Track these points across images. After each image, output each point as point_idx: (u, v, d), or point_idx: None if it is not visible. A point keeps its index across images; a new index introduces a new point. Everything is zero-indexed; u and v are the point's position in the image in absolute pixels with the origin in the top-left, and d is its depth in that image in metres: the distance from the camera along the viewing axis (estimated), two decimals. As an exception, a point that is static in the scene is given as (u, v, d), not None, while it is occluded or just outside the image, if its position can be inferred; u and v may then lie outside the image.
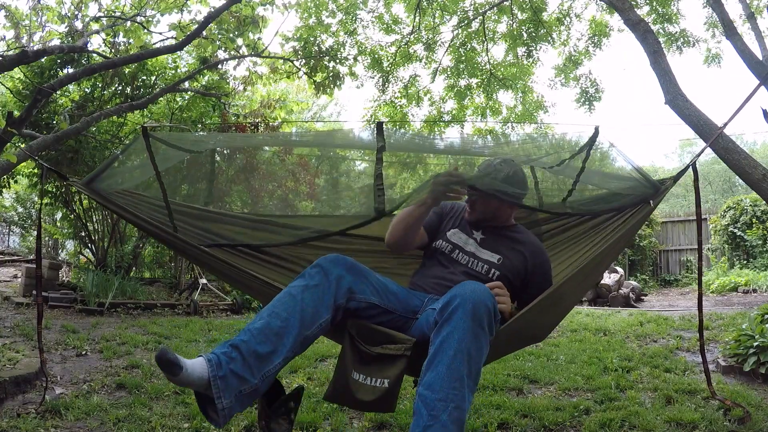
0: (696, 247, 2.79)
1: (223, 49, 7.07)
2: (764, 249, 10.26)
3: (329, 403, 2.92)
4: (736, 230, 10.71)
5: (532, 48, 8.50)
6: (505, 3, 8.21)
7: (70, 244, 10.57)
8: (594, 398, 3.07)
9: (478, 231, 2.19)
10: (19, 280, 6.93)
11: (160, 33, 11.31)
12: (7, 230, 12.58)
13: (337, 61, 7.89)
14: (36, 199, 10.49)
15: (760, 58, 5.07)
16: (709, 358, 2.77)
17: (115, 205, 2.26)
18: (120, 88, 7.44)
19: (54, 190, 7.41)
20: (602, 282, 9.19)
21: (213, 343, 4.55)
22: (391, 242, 2.18)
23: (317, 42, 7.87)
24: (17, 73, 6.73)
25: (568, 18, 8.67)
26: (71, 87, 7.20)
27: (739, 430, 2.47)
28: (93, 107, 7.07)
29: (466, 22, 8.53)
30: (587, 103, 8.60)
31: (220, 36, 6.79)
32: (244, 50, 7.14)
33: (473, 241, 2.16)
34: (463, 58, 8.75)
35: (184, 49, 6.49)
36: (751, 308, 5.41)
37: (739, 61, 4.88)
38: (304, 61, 7.74)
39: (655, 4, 7.64)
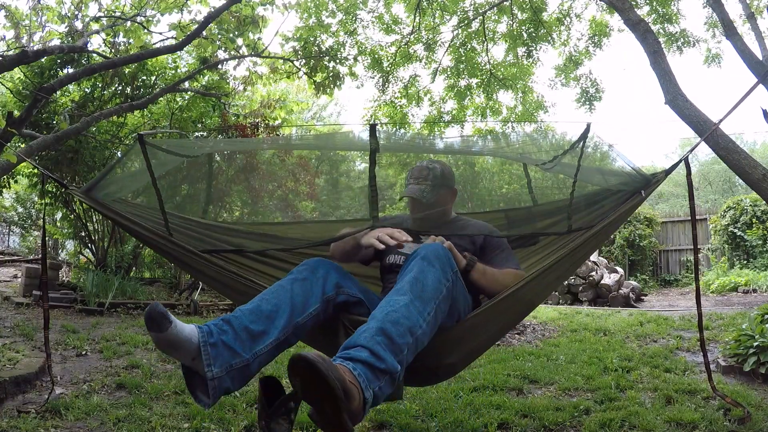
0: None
1: (223, 49, 7.07)
2: (764, 249, 10.26)
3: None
4: (736, 230, 10.71)
5: (532, 48, 8.50)
6: (505, 3, 8.21)
7: (70, 244, 10.56)
8: (594, 398, 3.07)
9: (425, 236, 2.22)
10: (19, 280, 6.93)
11: (160, 33, 11.33)
12: (7, 230, 12.58)
13: (337, 61, 7.89)
14: (36, 198, 10.49)
15: (760, 58, 5.07)
16: (709, 358, 2.77)
17: (113, 213, 2.28)
18: (120, 88, 7.44)
19: (54, 190, 7.41)
20: (602, 282, 9.19)
21: (213, 343, 4.55)
22: (333, 256, 2.25)
23: (317, 42, 7.87)
24: (17, 73, 6.73)
25: (568, 18, 8.67)
26: (71, 87, 7.20)
27: (739, 430, 2.47)
28: (93, 107, 7.07)
29: (466, 22, 8.53)
30: (587, 103, 8.60)
31: (220, 36, 6.79)
32: (244, 50, 7.15)
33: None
34: (463, 58, 8.75)
35: (184, 49, 6.50)
36: (751, 308, 5.41)
37: (739, 61, 4.88)
38: (304, 61, 7.75)
39: (655, 4, 7.64)
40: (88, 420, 2.57)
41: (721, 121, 2.51)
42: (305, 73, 7.85)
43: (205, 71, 7.41)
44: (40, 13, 6.08)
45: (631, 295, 9.09)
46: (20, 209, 11.74)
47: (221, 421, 2.60)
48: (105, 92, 7.36)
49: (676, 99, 4.33)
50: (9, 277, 7.82)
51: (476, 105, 9.39)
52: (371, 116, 9.24)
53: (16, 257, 9.76)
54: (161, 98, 7.51)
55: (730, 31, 4.96)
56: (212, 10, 5.92)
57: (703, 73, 46.00)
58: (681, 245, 12.36)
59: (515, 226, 2.63)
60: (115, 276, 6.61)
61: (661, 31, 7.64)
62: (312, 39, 7.82)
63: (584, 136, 2.33)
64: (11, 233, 12.64)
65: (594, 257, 9.73)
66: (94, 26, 6.43)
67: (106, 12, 6.48)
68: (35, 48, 5.09)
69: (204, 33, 6.25)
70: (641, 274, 11.97)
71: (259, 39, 7.07)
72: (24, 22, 6.00)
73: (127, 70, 7.06)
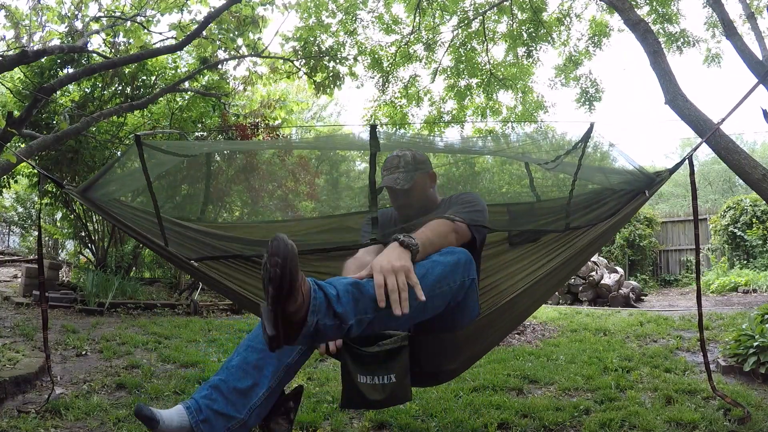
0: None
1: (223, 49, 7.08)
2: (764, 249, 10.26)
3: (333, 404, 2.93)
4: (736, 230, 10.71)
5: (532, 48, 8.50)
6: (505, 3, 8.21)
7: (70, 244, 10.57)
8: (594, 398, 3.07)
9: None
10: (19, 280, 6.92)
11: (160, 33, 11.33)
12: (7, 230, 12.58)
13: (337, 61, 7.89)
14: (36, 198, 10.49)
15: (760, 58, 5.07)
16: (709, 358, 2.76)
17: (109, 215, 2.27)
18: (120, 88, 7.44)
19: (54, 190, 7.41)
20: (602, 282, 9.19)
21: (213, 343, 4.55)
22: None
23: (317, 42, 7.87)
24: (17, 73, 6.73)
25: (568, 18, 8.68)
26: (71, 87, 7.20)
27: (739, 430, 2.46)
28: (93, 107, 7.07)
29: (466, 22, 8.53)
30: (587, 103, 8.60)
31: (220, 36, 6.80)
32: (244, 50, 7.15)
33: None
34: (463, 58, 8.75)
35: (184, 49, 6.50)
36: (751, 308, 5.41)
37: (739, 61, 4.88)
38: (304, 61, 7.75)
39: (655, 4, 7.64)
40: (88, 420, 2.57)
41: (722, 121, 2.52)
42: (305, 73, 7.85)
43: (205, 71, 7.42)
44: (40, 13, 6.08)
45: (631, 295, 9.09)
46: (20, 209, 11.74)
47: (221, 421, 2.60)
48: (105, 92, 7.36)
49: (676, 99, 4.33)
50: (9, 277, 7.82)
51: (476, 105, 9.39)
52: (371, 116, 9.24)
53: (16, 257, 9.76)
54: (161, 98, 7.51)
55: (730, 31, 4.96)
56: (212, 10, 5.93)
57: (703, 73, 46.04)
58: (681, 245, 12.36)
59: (516, 220, 2.61)
60: (115, 276, 6.62)
61: (661, 31, 7.64)
62: (312, 39, 7.82)
63: (587, 136, 2.33)
64: (11, 233, 12.64)
65: (594, 257, 9.73)
66: (94, 26, 6.43)
67: (106, 12, 6.49)
68: (35, 48, 5.09)
69: (204, 33, 6.25)
70: (641, 274, 11.97)
71: (259, 39, 7.08)
72: (24, 22, 6.01)
73: (127, 70, 7.06)
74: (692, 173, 2.52)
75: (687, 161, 2.45)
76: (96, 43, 7.10)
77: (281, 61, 7.77)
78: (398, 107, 9.26)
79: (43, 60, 6.24)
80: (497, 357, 4.15)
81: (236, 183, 7.86)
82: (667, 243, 12.55)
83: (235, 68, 11.61)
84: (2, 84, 6.55)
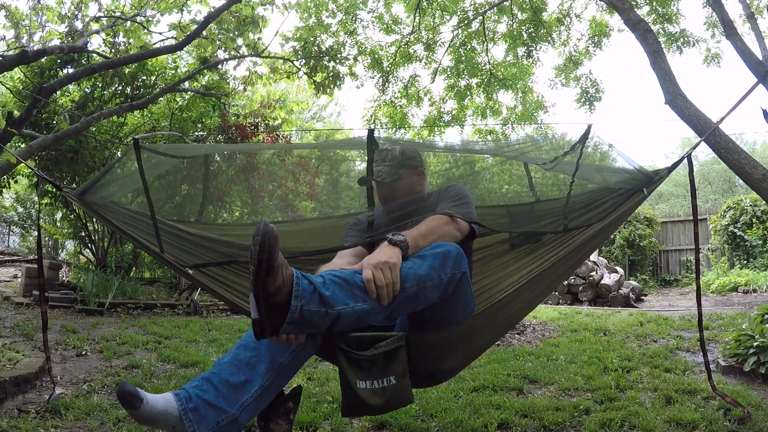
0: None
1: (223, 49, 7.08)
2: (764, 249, 10.26)
3: (333, 404, 2.93)
4: (736, 230, 10.71)
5: (532, 48, 8.50)
6: (505, 3, 8.21)
7: (70, 244, 10.57)
8: (594, 398, 3.07)
9: (408, 221, 2.13)
10: (19, 280, 6.93)
11: (160, 33, 11.34)
12: (7, 230, 12.58)
13: (337, 61, 7.89)
14: (36, 198, 10.49)
15: (760, 58, 5.07)
16: (709, 358, 2.76)
17: (106, 219, 2.26)
18: (120, 88, 7.44)
19: (53, 190, 7.41)
20: (602, 282, 9.19)
21: (213, 343, 4.55)
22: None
23: (317, 42, 7.87)
24: (17, 73, 6.73)
25: (568, 18, 8.68)
26: (71, 87, 7.20)
27: (739, 430, 2.46)
28: (93, 107, 7.07)
29: (466, 22, 8.53)
30: (588, 103, 8.61)
31: (220, 36, 6.80)
32: (244, 50, 7.15)
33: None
34: (463, 58, 8.75)
35: (184, 49, 6.51)
36: (751, 308, 5.41)
37: (739, 61, 4.88)
38: (304, 61, 7.75)
39: (655, 4, 7.64)
40: (88, 420, 2.57)
41: (721, 120, 2.52)
42: (305, 73, 7.85)
43: (205, 71, 7.42)
44: (40, 13, 6.08)
45: (631, 295, 9.09)
46: (20, 209, 11.75)
47: (221, 421, 2.59)
48: (105, 92, 7.37)
49: (676, 99, 4.33)
50: (9, 277, 7.82)
51: (476, 105, 9.39)
52: (371, 116, 9.24)
53: (16, 257, 9.76)
54: (161, 98, 7.51)
55: (730, 31, 4.96)
56: (212, 10, 5.93)
57: (703, 73, 46.02)
58: (681, 245, 12.36)
59: (516, 222, 2.61)
60: (115, 276, 6.62)
61: (661, 31, 7.64)
62: (312, 39, 7.82)
63: (585, 137, 2.33)
64: (11, 233, 12.64)
65: (594, 257, 9.73)
66: (94, 26, 6.44)
67: (106, 12, 6.49)
68: (35, 48, 5.10)
69: (204, 33, 6.25)
70: (641, 274, 11.97)
71: (259, 39, 7.08)
72: (24, 22, 6.01)
73: (127, 70, 7.06)
74: (691, 172, 2.52)
75: (686, 160, 2.45)
76: (96, 43, 7.11)
77: (281, 61, 7.77)
78: (398, 107, 9.26)
79: (43, 60, 6.24)
80: (497, 357, 4.15)
81: (236, 183, 7.86)
82: (667, 243, 12.55)
83: (235, 68, 11.63)
84: (2, 84, 6.55)
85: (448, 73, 8.99)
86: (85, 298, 5.98)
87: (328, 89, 7.86)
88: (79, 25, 6.22)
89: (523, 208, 2.71)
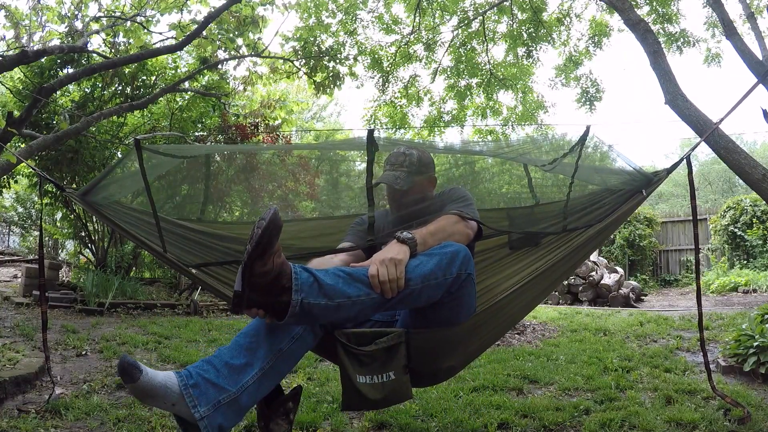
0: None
1: (223, 49, 7.08)
2: (764, 249, 10.26)
3: (333, 404, 2.93)
4: (736, 230, 10.71)
5: (532, 48, 8.50)
6: (505, 3, 8.21)
7: (70, 244, 10.57)
8: (594, 398, 3.07)
9: (414, 225, 2.12)
10: (19, 280, 6.93)
11: (160, 33, 11.34)
12: (7, 230, 12.58)
13: (337, 61, 7.89)
14: (36, 198, 10.49)
15: (760, 58, 5.06)
16: (709, 358, 2.76)
17: (108, 219, 2.26)
18: (120, 88, 7.44)
19: (54, 190, 7.41)
20: (602, 282, 9.19)
21: (213, 342, 4.55)
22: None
23: (317, 42, 7.87)
24: (17, 73, 6.73)
25: (568, 18, 8.68)
26: (71, 87, 7.20)
27: (739, 430, 2.46)
28: (93, 107, 7.07)
29: (466, 22, 8.53)
30: (588, 103, 8.61)
31: (220, 36, 6.80)
32: (244, 50, 7.15)
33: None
34: (463, 58, 8.75)
35: (184, 49, 6.51)
36: (751, 308, 5.41)
37: (739, 61, 4.88)
38: (304, 61, 7.75)
39: (655, 4, 7.64)
40: (88, 420, 2.57)
41: (721, 120, 2.52)
42: (305, 73, 7.85)
43: (205, 71, 7.42)
44: (40, 13, 6.08)
45: (631, 295, 9.09)
46: (20, 209, 11.74)
47: (221, 421, 2.59)
48: (105, 92, 7.37)
49: (676, 99, 4.33)
50: (9, 277, 7.83)
51: (476, 105, 9.39)
52: (371, 116, 9.24)
53: (16, 257, 9.76)
54: (161, 98, 7.51)
55: (730, 31, 4.96)
56: (212, 10, 5.93)
57: (703, 73, 46.01)
58: (681, 245, 12.36)
59: (516, 224, 2.62)
60: (115, 276, 6.61)
61: (661, 31, 7.64)
62: (312, 39, 7.82)
63: (584, 138, 2.34)
64: (11, 233, 12.64)
65: (594, 257, 9.73)
66: (94, 26, 6.44)
67: (106, 12, 6.49)
68: (35, 48, 5.10)
69: (204, 33, 6.25)
70: (641, 274, 11.97)
71: (259, 39, 7.08)
72: (24, 22, 6.01)
73: (127, 70, 7.06)
74: (690, 173, 2.52)
75: (685, 161, 2.45)
76: (96, 43, 7.11)
77: (281, 61, 7.77)
78: (398, 107, 9.26)
79: (43, 60, 6.24)
80: (497, 357, 4.15)
81: (236, 183, 7.86)
82: (667, 243, 12.55)
83: (235, 68, 11.63)
84: (2, 84, 6.56)
85: (448, 73, 8.99)
86: (85, 298, 5.98)
87: (328, 89, 7.86)
88: (79, 25, 6.22)
89: (522, 211, 2.72)
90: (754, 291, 8.92)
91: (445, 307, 1.83)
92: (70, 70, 6.58)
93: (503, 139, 8.73)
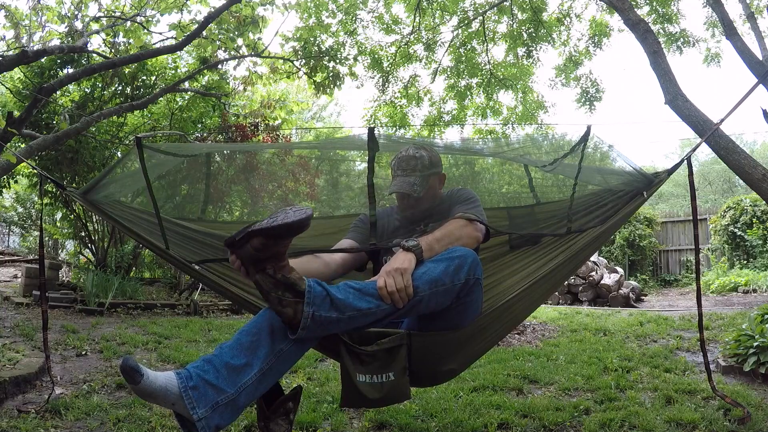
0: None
1: (223, 49, 7.08)
2: (764, 249, 10.26)
3: (333, 404, 2.93)
4: (736, 230, 10.71)
5: (532, 48, 8.50)
6: (505, 3, 8.21)
7: (70, 244, 10.57)
8: (594, 398, 3.07)
9: (421, 223, 2.15)
10: (19, 280, 6.93)
11: (160, 33, 11.35)
12: (7, 230, 12.58)
13: (337, 61, 7.89)
14: (36, 198, 10.49)
15: (760, 58, 5.06)
16: (709, 358, 2.76)
17: (110, 217, 2.27)
18: (120, 88, 7.44)
19: (54, 190, 7.41)
20: (602, 282, 9.19)
21: (213, 343, 4.55)
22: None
23: (317, 42, 7.87)
24: (17, 73, 6.73)
25: (568, 18, 8.68)
26: (71, 87, 7.20)
27: (739, 430, 2.46)
28: (93, 107, 7.07)
29: (466, 22, 8.53)
30: (588, 103, 8.60)
31: (220, 36, 6.80)
32: (244, 50, 7.15)
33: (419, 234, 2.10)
34: (463, 58, 8.75)
35: (184, 49, 6.50)
36: (751, 308, 5.41)
37: (739, 61, 4.88)
38: (304, 61, 7.75)
39: (655, 4, 7.64)
40: (88, 420, 2.57)
41: (721, 121, 2.51)
42: (305, 73, 7.85)
43: (205, 71, 7.42)
44: (40, 13, 6.08)
45: (631, 295, 9.09)
46: (20, 209, 11.74)
47: (221, 421, 2.59)
48: (105, 92, 7.37)
49: (676, 99, 4.33)
50: (9, 277, 7.83)
51: (476, 105, 9.39)
52: (371, 116, 9.24)
53: (16, 257, 9.76)
54: (161, 98, 7.51)
55: (730, 31, 4.96)
56: (212, 10, 5.93)
57: (703, 73, 46.03)
58: (681, 245, 12.36)
59: (517, 224, 2.61)
60: (115, 276, 6.61)
61: (661, 31, 7.64)
62: (312, 39, 7.81)
63: (585, 138, 2.33)
64: (11, 233, 12.64)
65: (594, 257, 9.73)
66: (94, 26, 6.44)
67: (106, 12, 6.49)
68: (35, 48, 5.10)
69: (204, 33, 6.25)
70: (641, 274, 11.97)
71: (259, 39, 7.08)
72: (24, 22, 6.01)
73: (127, 70, 7.06)
74: (691, 173, 2.52)
75: (686, 162, 2.45)
76: (96, 43, 7.11)
77: (281, 61, 7.76)
78: (398, 107, 9.26)
79: (43, 60, 6.24)
80: (497, 357, 4.15)
81: (236, 183, 7.87)
82: (667, 243, 12.55)
83: (235, 68, 11.63)
84: (2, 84, 6.55)
85: (448, 73, 8.99)
86: (85, 298, 5.98)
87: (328, 89, 7.86)
88: (79, 25, 6.22)
89: (523, 211, 2.71)
90: (754, 291, 8.92)
91: (453, 311, 1.84)
92: (70, 70, 6.58)
93: (503, 139, 8.74)
